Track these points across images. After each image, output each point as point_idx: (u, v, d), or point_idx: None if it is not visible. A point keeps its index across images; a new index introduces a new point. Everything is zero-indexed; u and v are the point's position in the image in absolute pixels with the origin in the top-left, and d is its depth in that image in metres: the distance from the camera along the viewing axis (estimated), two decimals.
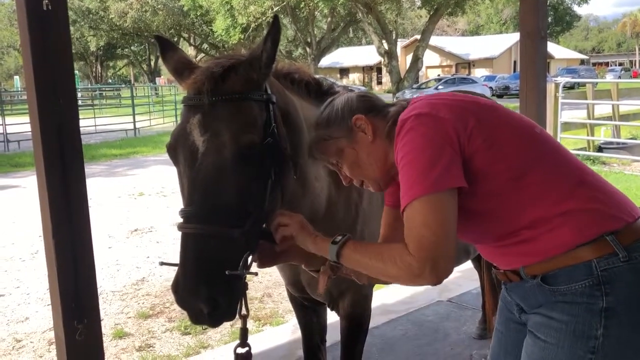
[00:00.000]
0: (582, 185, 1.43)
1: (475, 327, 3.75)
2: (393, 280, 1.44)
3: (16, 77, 44.58)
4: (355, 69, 55.37)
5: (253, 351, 1.67)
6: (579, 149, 10.42)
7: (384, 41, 30.98)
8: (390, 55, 31.13)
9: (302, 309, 2.55)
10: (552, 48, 51.26)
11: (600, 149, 10.55)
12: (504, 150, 1.42)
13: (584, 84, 15.17)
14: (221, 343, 3.87)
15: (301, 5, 33.20)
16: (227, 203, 1.52)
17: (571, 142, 10.84)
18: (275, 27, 1.60)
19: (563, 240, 1.38)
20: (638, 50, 76.42)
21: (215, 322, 1.56)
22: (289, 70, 1.98)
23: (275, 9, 30.31)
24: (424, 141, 1.37)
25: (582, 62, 59.11)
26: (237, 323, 1.65)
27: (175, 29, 44.85)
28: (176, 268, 1.54)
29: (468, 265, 3.71)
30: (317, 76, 2.17)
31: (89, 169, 10.03)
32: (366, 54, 52.44)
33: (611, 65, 65.21)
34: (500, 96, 32.48)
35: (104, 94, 37.74)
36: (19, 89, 34.53)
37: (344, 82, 46.53)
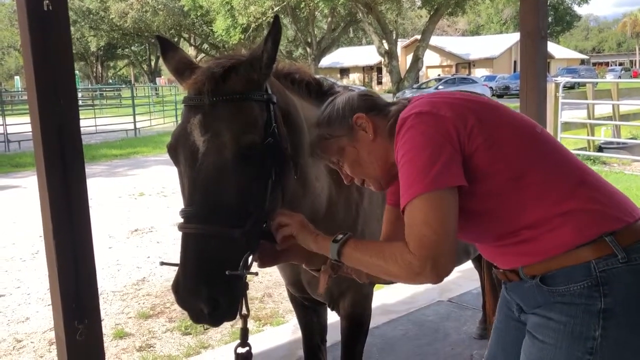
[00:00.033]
0: (583, 185, 1.43)
1: (476, 327, 3.76)
2: (394, 278, 1.44)
3: (17, 78, 44.61)
4: (356, 69, 55.36)
5: (253, 351, 1.67)
6: (579, 149, 10.42)
7: (384, 41, 30.96)
8: (390, 55, 31.12)
9: (303, 309, 2.55)
10: (553, 48, 51.26)
11: (600, 148, 10.55)
12: (504, 150, 1.42)
13: (584, 84, 15.15)
14: (222, 343, 3.87)
15: (301, 6, 33.21)
16: (228, 203, 1.52)
17: (571, 142, 10.84)
18: (275, 27, 1.61)
19: (563, 240, 1.38)
20: (638, 50, 76.39)
21: (215, 322, 1.57)
22: (290, 71, 1.99)
23: (275, 9, 30.30)
24: (424, 139, 1.37)
25: (583, 62, 59.09)
26: (238, 323, 1.65)
27: (175, 29, 44.88)
28: (176, 268, 1.54)
29: (468, 265, 3.71)
30: (317, 76, 2.17)
31: (89, 169, 10.02)
32: (366, 54, 52.43)
33: (611, 65, 65.21)
34: (500, 96, 32.48)
35: (104, 94, 37.72)
36: (20, 89, 34.55)
37: (344, 82, 46.48)
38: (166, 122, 21.55)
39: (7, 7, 50.40)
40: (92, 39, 51.14)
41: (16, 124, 15.27)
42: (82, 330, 1.83)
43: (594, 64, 68.95)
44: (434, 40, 42.02)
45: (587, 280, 1.36)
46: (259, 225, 1.59)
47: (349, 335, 2.33)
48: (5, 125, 16.03)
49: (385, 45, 30.88)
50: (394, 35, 33.67)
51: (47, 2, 1.70)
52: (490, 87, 31.45)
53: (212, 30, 37.39)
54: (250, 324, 3.98)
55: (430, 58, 45.82)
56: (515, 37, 41.07)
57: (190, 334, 4.06)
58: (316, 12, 35.77)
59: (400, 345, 3.64)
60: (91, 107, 25.09)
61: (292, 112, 1.80)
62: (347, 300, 2.26)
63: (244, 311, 1.60)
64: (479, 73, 45.61)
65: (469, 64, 50.16)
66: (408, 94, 26.49)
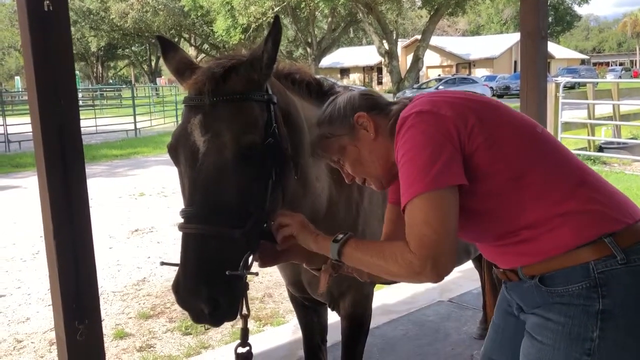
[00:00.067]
0: (583, 185, 1.43)
1: (476, 327, 3.76)
2: (394, 278, 1.44)
3: (17, 78, 44.61)
4: (356, 69, 55.36)
5: (254, 351, 1.67)
6: (579, 149, 10.42)
7: (384, 41, 30.95)
8: (390, 55, 31.11)
9: (303, 309, 2.55)
10: (553, 48, 51.26)
11: (600, 148, 10.55)
12: (505, 149, 1.42)
13: (584, 84, 15.14)
14: (222, 343, 3.87)
15: (302, 6, 33.20)
16: (228, 203, 1.52)
17: (572, 142, 10.84)
18: (276, 27, 1.61)
19: (563, 240, 1.38)
20: (638, 50, 76.37)
21: (216, 322, 1.57)
22: (290, 71, 1.99)
23: (275, 10, 30.30)
24: (424, 138, 1.37)
25: (583, 62, 59.06)
26: (238, 323, 1.65)
27: (175, 30, 44.87)
28: (177, 268, 1.54)
29: (469, 265, 3.71)
30: (317, 76, 2.17)
31: (89, 169, 10.04)
32: (367, 54, 52.43)
33: (612, 65, 65.14)
34: (500, 96, 32.45)
35: (104, 95, 37.74)
36: (20, 90, 34.55)
37: (345, 82, 46.51)
38: (166, 123, 21.56)
39: (7, 8, 50.45)
40: (93, 39, 51.16)
41: (16, 124, 15.30)
42: (82, 331, 1.83)
43: (595, 64, 68.91)
44: (434, 40, 42.02)
45: (586, 281, 1.36)
46: (260, 226, 1.59)
47: (349, 336, 2.33)
48: (6, 125, 16.03)
49: (386, 46, 30.87)
50: (394, 35, 33.65)
51: (47, 2, 1.70)
52: (491, 87, 31.45)
53: (212, 30, 37.40)
54: (251, 324, 3.98)
55: (430, 58, 45.81)
56: (516, 37, 41.04)
57: (191, 334, 4.06)
58: (316, 12, 35.77)
59: (401, 345, 3.64)
60: (91, 108, 25.12)
61: (293, 112, 1.80)
62: (348, 300, 2.26)
63: (245, 311, 1.60)
64: (479, 73, 45.60)
65: (469, 64, 50.14)
66: (408, 94, 26.48)
